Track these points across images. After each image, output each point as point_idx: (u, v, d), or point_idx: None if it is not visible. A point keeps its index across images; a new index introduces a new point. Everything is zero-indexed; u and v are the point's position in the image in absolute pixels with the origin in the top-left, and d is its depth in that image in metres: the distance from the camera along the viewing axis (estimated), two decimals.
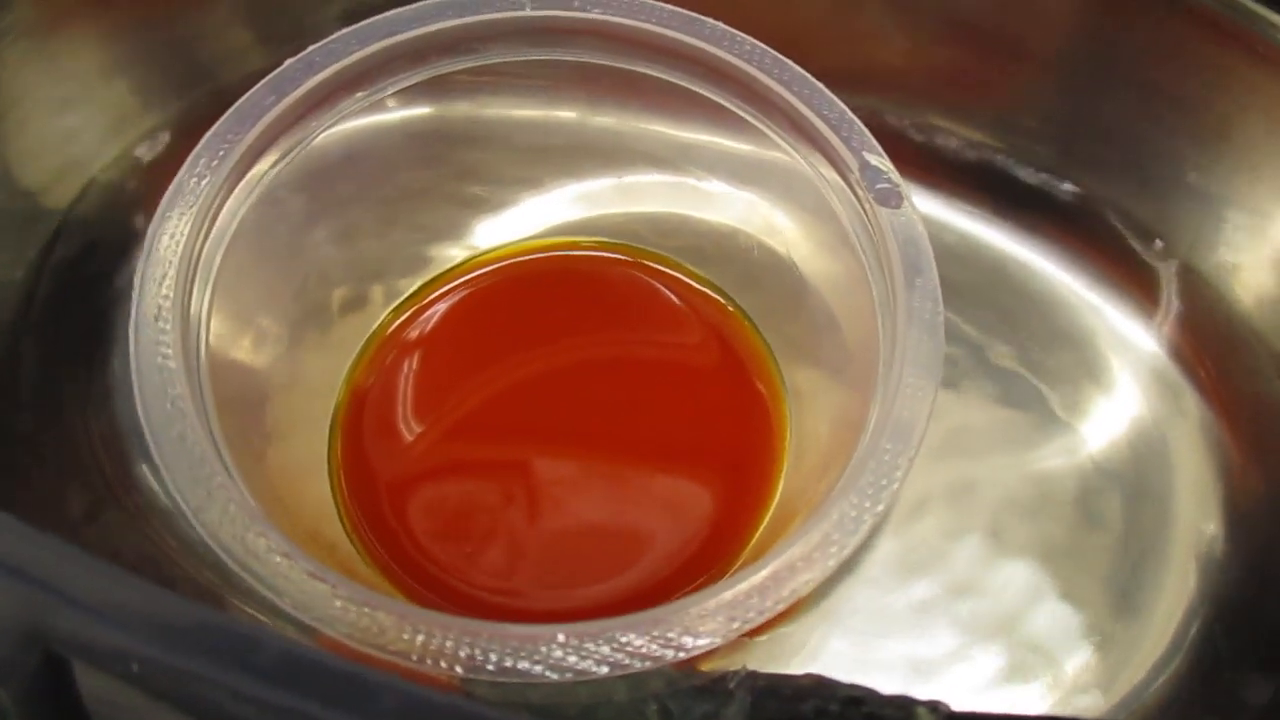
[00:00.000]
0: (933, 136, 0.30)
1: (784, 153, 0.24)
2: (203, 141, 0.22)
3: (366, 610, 0.17)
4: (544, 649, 0.17)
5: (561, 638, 0.17)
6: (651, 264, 0.28)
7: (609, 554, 0.25)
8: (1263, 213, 0.27)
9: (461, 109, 0.26)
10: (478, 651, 0.17)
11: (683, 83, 0.25)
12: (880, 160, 0.23)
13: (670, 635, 0.18)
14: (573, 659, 0.17)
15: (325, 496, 0.25)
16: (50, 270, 0.28)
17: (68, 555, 0.14)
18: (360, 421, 0.26)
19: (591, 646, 0.17)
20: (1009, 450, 0.28)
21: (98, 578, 0.14)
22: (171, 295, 0.20)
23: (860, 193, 0.23)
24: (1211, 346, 0.28)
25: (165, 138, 0.29)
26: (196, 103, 0.29)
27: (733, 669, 0.20)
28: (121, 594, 0.14)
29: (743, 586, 0.18)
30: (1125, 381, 0.28)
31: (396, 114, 0.26)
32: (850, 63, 0.30)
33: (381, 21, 0.23)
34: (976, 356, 0.29)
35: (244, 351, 0.25)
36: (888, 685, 0.24)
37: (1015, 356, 0.29)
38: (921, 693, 0.24)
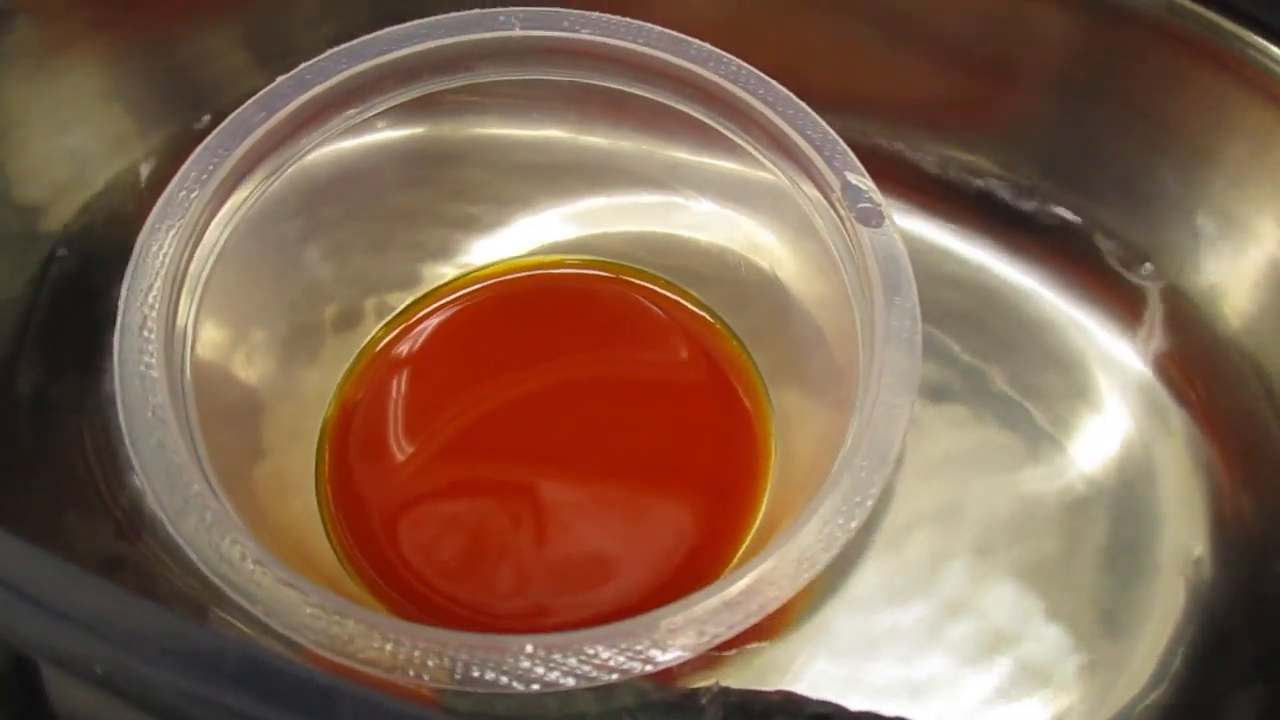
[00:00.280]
0: (924, 161, 0.31)
1: (769, 172, 0.24)
2: (193, 156, 0.22)
3: (336, 618, 0.18)
4: (511, 660, 0.17)
5: (530, 649, 0.17)
6: (640, 282, 0.28)
7: (591, 573, 0.25)
8: (1248, 234, 0.27)
9: (452, 129, 0.27)
10: (445, 660, 0.17)
11: (670, 102, 0.25)
12: (861, 179, 0.23)
13: (639, 648, 0.18)
14: (540, 670, 0.17)
15: (313, 510, 0.26)
16: (49, 286, 0.28)
17: (34, 558, 0.14)
18: (348, 435, 0.26)
19: (559, 658, 0.17)
20: (997, 471, 0.28)
21: (64, 581, 0.15)
22: (157, 306, 0.21)
23: (842, 211, 0.23)
24: (1199, 367, 0.28)
25: (164, 159, 0.30)
26: (194, 125, 0.30)
27: (706, 685, 0.20)
28: (87, 598, 0.15)
29: (712, 601, 0.18)
30: (1113, 401, 0.28)
31: (388, 134, 0.26)
32: (845, 87, 0.30)
33: (372, 41, 0.24)
34: (965, 377, 0.29)
35: (235, 365, 0.25)
36: (876, 707, 0.24)
37: (1003, 377, 0.29)
38: (911, 714, 0.24)
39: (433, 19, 0.24)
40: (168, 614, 0.15)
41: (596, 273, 0.29)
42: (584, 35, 0.24)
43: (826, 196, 0.23)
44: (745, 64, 0.24)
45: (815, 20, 0.30)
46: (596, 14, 0.24)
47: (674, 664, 0.18)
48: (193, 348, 0.22)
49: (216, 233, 0.23)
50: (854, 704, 0.24)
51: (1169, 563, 0.26)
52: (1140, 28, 0.26)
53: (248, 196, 0.23)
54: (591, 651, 0.18)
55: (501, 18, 0.24)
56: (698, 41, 0.24)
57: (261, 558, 0.18)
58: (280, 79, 0.23)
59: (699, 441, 0.27)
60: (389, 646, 0.17)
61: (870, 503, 0.19)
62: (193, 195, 0.22)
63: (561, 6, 0.24)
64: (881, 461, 0.20)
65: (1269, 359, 0.27)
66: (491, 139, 0.27)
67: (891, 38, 0.30)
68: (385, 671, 0.17)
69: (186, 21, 0.29)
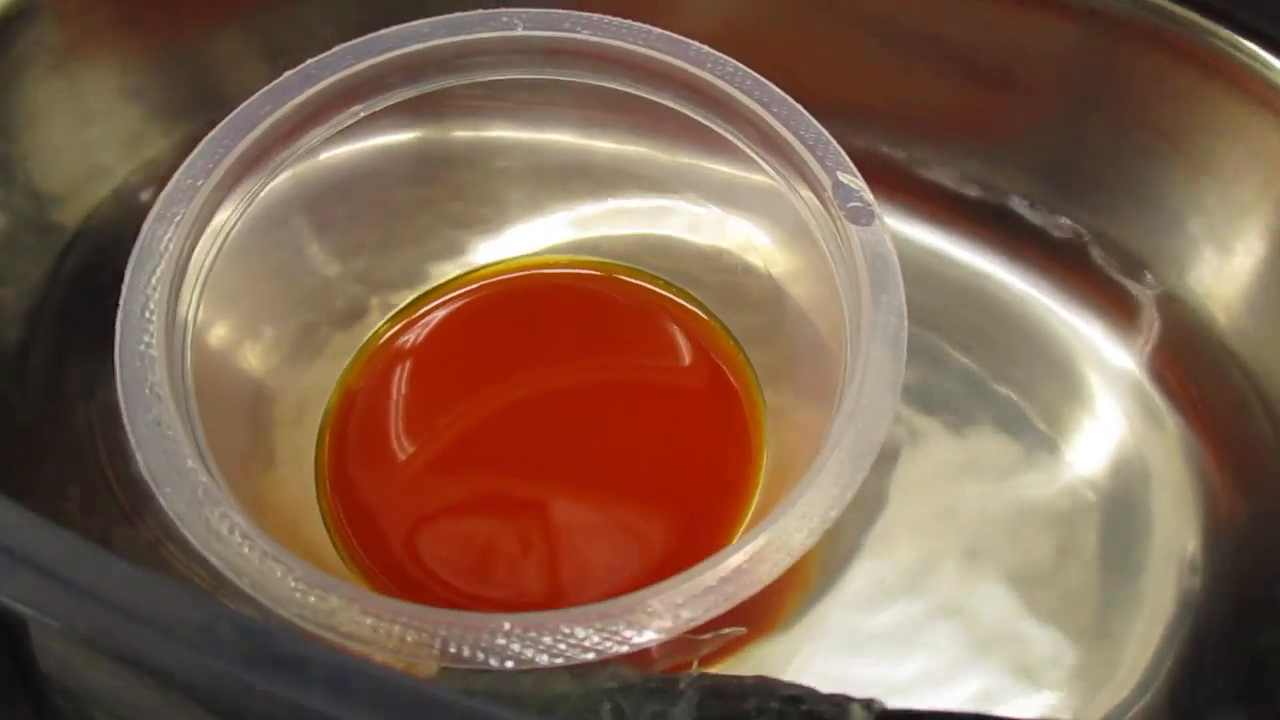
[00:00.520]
0: (923, 169, 0.31)
1: (764, 174, 0.25)
2: (199, 147, 0.23)
3: (319, 592, 0.18)
4: (488, 637, 0.18)
5: (507, 626, 0.18)
6: (638, 282, 0.29)
7: (583, 570, 0.25)
8: (1243, 241, 0.27)
9: (457, 131, 0.27)
10: (425, 635, 0.18)
11: (667, 103, 0.25)
12: (853, 179, 0.23)
13: (615, 628, 0.18)
14: (516, 647, 0.18)
15: (311, 499, 0.26)
16: (64, 276, 0.29)
17: (19, 518, 0.15)
18: (348, 424, 0.27)
19: (536, 635, 0.18)
20: (991, 474, 0.28)
21: (48, 540, 0.15)
22: (159, 290, 0.21)
23: (833, 210, 0.23)
24: (1193, 372, 0.28)
25: (180, 155, 0.30)
26: (211, 122, 0.30)
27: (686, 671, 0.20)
28: (71, 557, 0.15)
29: (688, 585, 0.18)
30: (1108, 405, 0.28)
31: (394, 135, 0.27)
32: (849, 96, 0.30)
33: (377, 38, 0.24)
34: (961, 381, 0.29)
35: (238, 354, 0.25)
36: None
37: (998, 380, 0.29)
38: None
39: (437, 18, 0.25)
40: (153, 575, 0.15)
41: (596, 273, 0.29)
42: (584, 36, 0.25)
43: (819, 196, 0.23)
44: (742, 65, 0.24)
45: (818, 30, 0.30)
46: (597, 15, 0.25)
47: (650, 645, 0.18)
48: (194, 334, 0.22)
49: (221, 223, 0.23)
50: None
51: (1161, 566, 0.26)
52: (1137, 37, 0.27)
53: (253, 189, 0.24)
54: (568, 630, 0.18)
55: (504, 18, 0.25)
56: (695, 43, 0.25)
57: (249, 532, 0.19)
58: (287, 73, 0.24)
59: (694, 439, 0.27)
60: (369, 620, 0.18)
61: (850, 494, 0.20)
62: (199, 184, 0.23)
63: (571, 9, 0.25)
64: (864, 455, 0.20)
65: (1262, 364, 0.27)
66: (495, 141, 0.28)
67: (893, 48, 0.30)
68: (366, 645, 0.18)
69: (205, 21, 0.30)
